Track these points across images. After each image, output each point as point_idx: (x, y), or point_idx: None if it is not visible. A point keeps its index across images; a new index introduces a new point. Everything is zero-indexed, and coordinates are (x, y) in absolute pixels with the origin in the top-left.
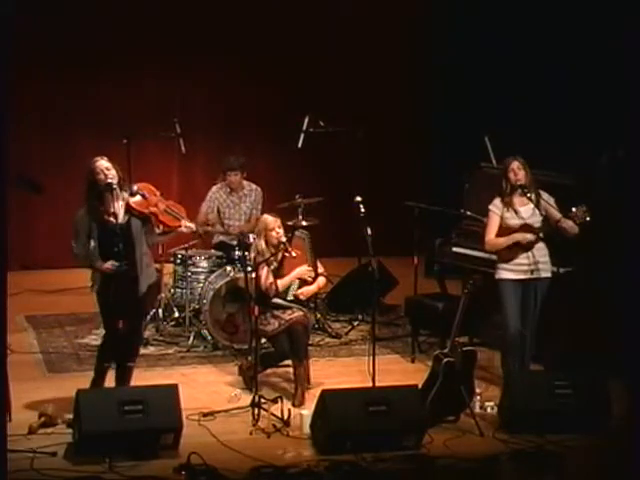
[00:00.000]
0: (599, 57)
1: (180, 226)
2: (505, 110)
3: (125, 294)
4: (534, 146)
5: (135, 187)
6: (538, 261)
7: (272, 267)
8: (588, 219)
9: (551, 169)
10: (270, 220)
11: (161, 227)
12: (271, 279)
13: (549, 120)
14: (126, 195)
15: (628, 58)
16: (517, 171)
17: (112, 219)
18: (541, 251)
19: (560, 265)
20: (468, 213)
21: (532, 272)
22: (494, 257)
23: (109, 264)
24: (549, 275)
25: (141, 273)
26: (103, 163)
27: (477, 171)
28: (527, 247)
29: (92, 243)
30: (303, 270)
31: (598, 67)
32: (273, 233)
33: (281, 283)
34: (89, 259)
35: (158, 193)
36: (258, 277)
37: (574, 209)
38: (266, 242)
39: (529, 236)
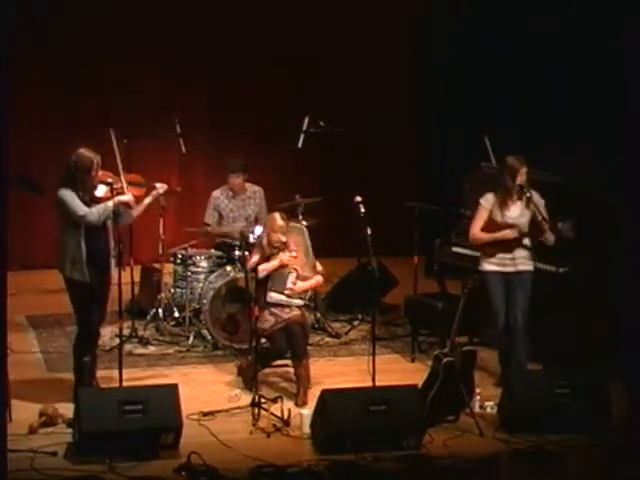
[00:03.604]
0: (599, 57)
1: (153, 189)
2: (505, 110)
3: (103, 280)
4: (534, 146)
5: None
6: (515, 257)
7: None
8: (572, 235)
9: (543, 168)
10: (277, 224)
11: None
12: (255, 262)
13: (549, 120)
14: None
15: (628, 58)
16: (524, 176)
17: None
18: (518, 246)
19: (559, 265)
20: (468, 213)
21: (511, 266)
22: None
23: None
24: (530, 268)
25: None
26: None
27: (477, 171)
28: (510, 245)
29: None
30: (286, 257)
31: (598, 67)
32: (273, 236)
33: (262, 267)
34: (101, 209)
35: (113, 175)
36: (247, 259)
37: (560, 224)
38: (268, 239)
39: (510, 234)
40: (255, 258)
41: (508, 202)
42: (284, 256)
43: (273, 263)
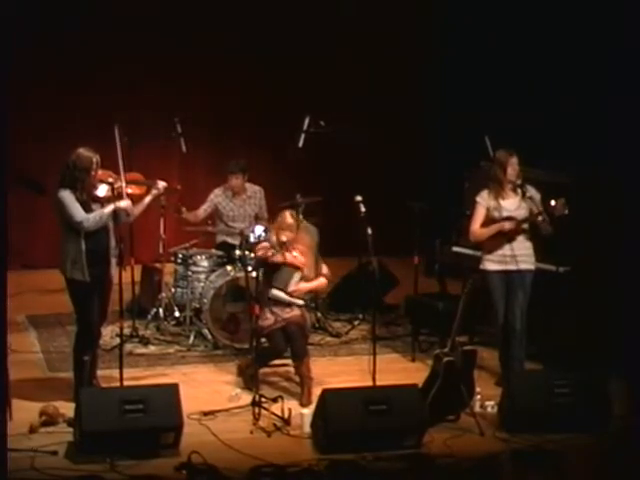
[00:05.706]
0: (600, 57)
1: (153, 186)
2: (505, 110)
3: (104, 279)
4: (534, 146)
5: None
6: (516, 254)
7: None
8: (566, 212)
9: (544, 168)
10: (286, 222)
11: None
12: (268, 251)
13: (549, 120)
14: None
15: (628, 58)
16: (516, 167)
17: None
18: (520, 244)
19: (560, 265)
20: (468, 212)
21: (513, 263)
22: None
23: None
24: (531, 267)
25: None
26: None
27: (477, 170)
28: (510, 237)
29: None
30: (290, 257)
31: (599, 67)
32: (281, 234)
33: (274, 257)
34: (97, 216)
35: (113, 174)
36: (259, 244)
37: (553, 202)
38: (276, 236)
39: (507, 224)
40: (266, 244)
41: (502, 194)
42: (289, 255)
43: (283, 258)
